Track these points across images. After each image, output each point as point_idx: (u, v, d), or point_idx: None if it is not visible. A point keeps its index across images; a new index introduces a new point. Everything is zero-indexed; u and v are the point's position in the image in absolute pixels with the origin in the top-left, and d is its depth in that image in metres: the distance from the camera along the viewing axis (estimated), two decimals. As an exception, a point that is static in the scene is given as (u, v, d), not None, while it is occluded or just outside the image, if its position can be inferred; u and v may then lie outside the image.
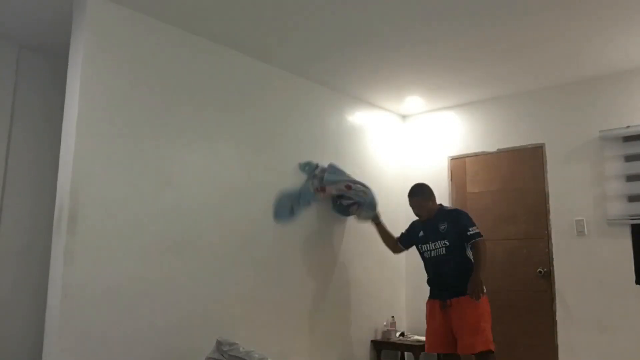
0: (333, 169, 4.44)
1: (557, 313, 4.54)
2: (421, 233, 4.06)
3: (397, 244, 4.37)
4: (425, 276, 4.13)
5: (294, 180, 4.43)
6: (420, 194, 4.07)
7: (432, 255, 3.97)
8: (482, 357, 3.74)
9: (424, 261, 4.09)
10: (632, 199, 4.29)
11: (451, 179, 5.31)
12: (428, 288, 4.10)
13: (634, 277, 4.21)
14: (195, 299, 3.61)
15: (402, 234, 4.35)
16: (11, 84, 3.84)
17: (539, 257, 4.69)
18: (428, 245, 3.99)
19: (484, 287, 3.77)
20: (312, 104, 4.72)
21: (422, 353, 4.82)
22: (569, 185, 4.60)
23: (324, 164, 4.52)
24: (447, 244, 3.88)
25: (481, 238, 3.83)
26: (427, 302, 4.03)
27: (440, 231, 3.92)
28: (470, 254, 3.87)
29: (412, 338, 4.96)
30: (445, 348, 3.87)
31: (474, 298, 3.70)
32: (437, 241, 3.93)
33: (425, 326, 4.05)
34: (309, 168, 4.41)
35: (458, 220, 3.89)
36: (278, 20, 3.60)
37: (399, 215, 5.46)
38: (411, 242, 4.24)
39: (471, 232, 3.84)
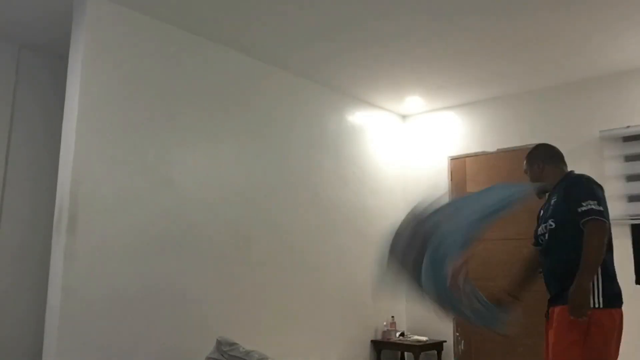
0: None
1: (557, 313, 4.53)
2: (541, 212, 2.87)
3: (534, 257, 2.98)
4: None
5: (294, 180, 4.43)
6: (531, 153, 2.96)
7: (540, 242, 2.79)
8: None
9: None
10: (632, 199, 4.29)
11: (451, 179, 5.30)
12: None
13: (634, 277, 4.20)
14: (195, 299, 3.61)
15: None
16: (11, 84, 3.85)
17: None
18: (539, 229, 2.81)
19: (613, 301, 2.62)
20: (312, 104, 4.72)
21: (422, 353, 4.83)
22: (569, 185, 4.60)
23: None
24: (553, 225, 2.63)
25: (599, 219, 2.43)
26: None
27: (550, 207, 2.71)
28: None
29: (412, 338, 4.96)
30: None
31: (575, 315, 2.41)
32: (544, 223, 2.71)
33: None
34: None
35: (570, 191, 2.59)
36: (277, 19, 3.60)
37: (399, 216, 5.45)
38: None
39: (584, 208, 2.45)
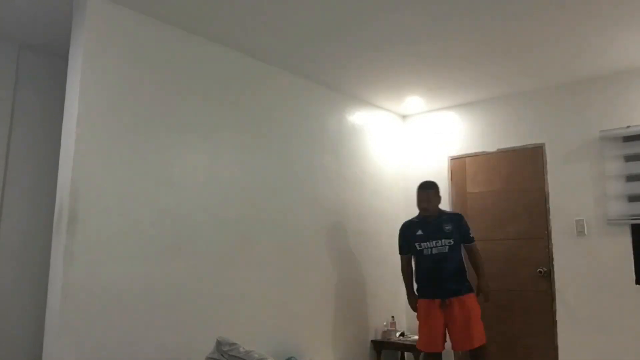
0: None
1: (557, 313, 4.54)
2: (420, 232, 4.10)
3: (408, 263, 4.27)
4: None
5: (294, 180, 4.44)
6: (433, 188, 4.14)
7: (433, 252, 4.02)
8: (479, 351, 3.92)
9: (420, 259, 4.11)
10: (632, 199, 4.29)
11: (451, 179, 5.31)
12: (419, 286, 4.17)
13: (634, 277, 4.21)
14: (195, 299, 3.61)
15: (402, 247, 4.27)
16: (11, 84, 3.84)
17: (539, 257, 4.70)
18: (429, 243, 4.04)
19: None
20: (312, 103, 4.72)
21: (422, 353, 4.82)
22: (569, 185, 4.61)
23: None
24: (452, 242, 4.00)
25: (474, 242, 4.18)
26: (421, 302, 4.08)
27: (444, 231, 4.04)
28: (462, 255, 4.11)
29: (412, 338, 4.95)
30: (440, 347, 3.98)
31: (486, 299, 4.04)
32: (441, 239, 4.01)
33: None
34: None
35: (461, 224, 4.12)
36: (278, 20, 3.60)
37: (399, 216, 5.46)
38: (410, 245, 4.19)
39: (471, 235, 4.14)
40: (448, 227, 4.05)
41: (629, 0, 3.32)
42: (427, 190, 4.11)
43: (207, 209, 3.75)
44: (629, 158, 4.35)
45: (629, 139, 4.33)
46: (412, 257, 4.21)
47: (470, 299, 3.95)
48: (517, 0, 3.32)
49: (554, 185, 4.69)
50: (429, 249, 4.04)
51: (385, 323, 5.01)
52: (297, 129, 4.54)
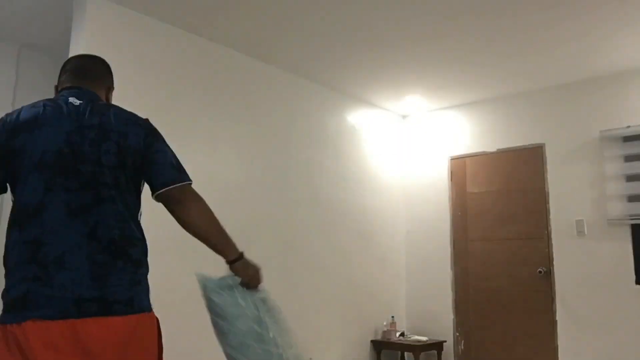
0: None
1: (557, 313, 4.54)
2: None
3: None
4: None
5: (294, 180, 4.44)
6: (86, 62, 1.89)
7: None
8: None
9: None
10: (632, 199, 4.29)
11: (451, 179, 5.31)
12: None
13: (634, 277, 4.21)
14: (194, 300, 3.60)
15: None
16: (11, 83, 3.85)
17: (539, 257, 4.69)
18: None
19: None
20: (312, 103, 4.72)
21: (422, 353, 4.83)
22: (569, 185, 4.61)
23: None
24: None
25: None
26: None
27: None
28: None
29: (412, 338, 4.96)
30: None
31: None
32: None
33: None
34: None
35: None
36: (278, 20, 3.60)
37: (399, 216, 5.46)
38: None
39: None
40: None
41: (629, 1, 3.32)
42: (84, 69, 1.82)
43: (207, 208, 3.75)
44: (629, 158, 4.35)
45: (629, 139, 4.33)
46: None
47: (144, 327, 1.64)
48: (517, 1, 3.33)
49: (554, 185, 4.69)
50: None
51: (385, 323, 5.01)
52: (297, 129, 4.54)
